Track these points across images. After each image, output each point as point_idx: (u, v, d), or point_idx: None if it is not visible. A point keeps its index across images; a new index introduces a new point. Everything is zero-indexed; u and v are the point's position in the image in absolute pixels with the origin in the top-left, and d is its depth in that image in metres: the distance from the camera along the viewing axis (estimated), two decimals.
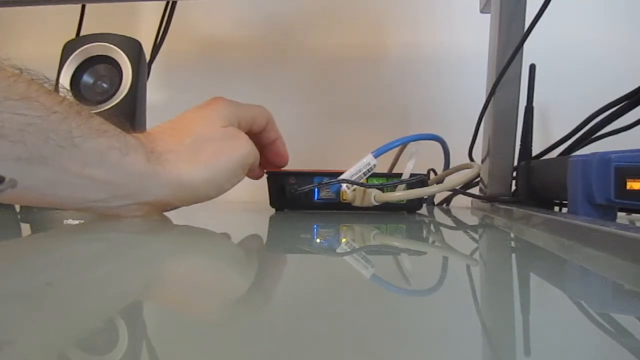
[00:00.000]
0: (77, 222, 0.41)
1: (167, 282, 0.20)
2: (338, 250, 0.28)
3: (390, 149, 0.45)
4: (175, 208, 0.41)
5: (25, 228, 0.40)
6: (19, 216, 0.47)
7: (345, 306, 0.16)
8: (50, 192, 0.33)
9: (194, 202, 0.40)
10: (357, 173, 0.43)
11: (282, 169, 0.50)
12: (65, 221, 0.42)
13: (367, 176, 0.43)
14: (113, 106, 0.55)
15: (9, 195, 0.31)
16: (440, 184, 0.48)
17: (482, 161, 0.58)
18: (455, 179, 0.47)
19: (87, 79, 0.57)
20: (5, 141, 0.29)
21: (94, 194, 0.34)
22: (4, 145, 0.29)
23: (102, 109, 0.55)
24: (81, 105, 0.34)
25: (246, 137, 0.41)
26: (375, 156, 0.43)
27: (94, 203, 0.35)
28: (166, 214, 0.42)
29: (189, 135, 0.39)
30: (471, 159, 0.59)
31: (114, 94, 0.56)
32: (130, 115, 0.55)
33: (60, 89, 0.50)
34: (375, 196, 0.43)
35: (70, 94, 0.40)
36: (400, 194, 0.44)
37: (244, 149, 0.41)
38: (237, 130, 0.41)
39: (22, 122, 0.30)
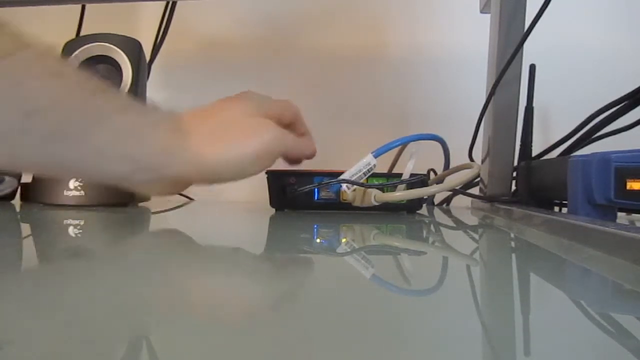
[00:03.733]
0: (76, 221, 0.41)
1: (171, 286, 0.20)
2: (338, 251, 0.28)
3: (390, 149, 0.45)
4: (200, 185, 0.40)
5: (25, 228, 0.40)
6: (19, 216, 0.47)
7: (346, 306, 0.16)
8: (78, 165, 0.34)
9: (216, 182, 0.39)
10: (357, 173, 0.43)
11: (283, 169, 0.50)
12: (65, 221, 0.42)
13: (367, 176, 0.43)
14: None
15: (37, 168, 0.32)
16: (440, 184, 0.48)
17: (482, 161, 0.58)
18: (455, 179, 0.47)
19: None
20: (38, 116, 0.30)
21: (118, 167, 0.34)
22: (37, 120, 0.30)
23: None
24: (108, 83, 0.34)
25: (274, 124, 0.41)
26: (375, 156, 0.43)
27: (118, 176, 0.35)
28: (166, 214, 0.42)
29: (215, 118, 0.39)
30: (471, 159, 0.59)
31: None
32: None
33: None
34: (375, 196, 0.43)
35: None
36: (400, 194, 0.44)
37: (270, 135, 0.40)
38: (264, 118, 0.41)
39: (54, 97, 0.31)
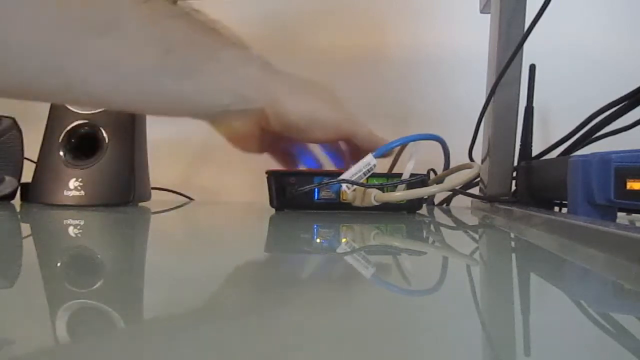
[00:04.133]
0: (77, 221, 0.41)
1: (172, 283, 0.20)
2: (338, 251, 0.29)
3: (391, 149, 0.44)
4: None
5: (25, 228, 0.40)
6: (19, 216, 0.47)
7: (344, 305, 0.16)
8: (192, 98, 0.37)
9: (284, 130, 0.42)
10: (357, 173, 0.43)
11: (283, 169, 0.50)
12: (65, 221, 0.42)
13: (367, 176, 0.43)
14: None
15: (152, 106, 0.38)
16: (441, 184, 0.48)
17: (482, 161, 0.58)
18: (456, 179, 0.47)
19: None
20: (174, 53, 0.34)
21: (221, 99, 0.38)
22: (171, 58, 0.34)
23: (102, 109, 0.55)
24: (211, 21, 0.39)
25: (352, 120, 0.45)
26: (376, 156, 0.43)
27: (218, 108, 0.39)
28: (167, 215, 0.42)
29: (304, 80, 0.44)
30: (471, 159, 0.59)
31: None
32: (130, 115, 0.55)
33: None
34: (375, 196, 0.43)
35: None
36: (401, 194, 0.44)
37: (346, 117, 0.44)
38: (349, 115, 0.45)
39: (183, 38, 0.35)
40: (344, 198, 0.45)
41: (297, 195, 0.45)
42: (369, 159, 0.43)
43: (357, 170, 0.43)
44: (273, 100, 0.40)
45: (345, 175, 0.43)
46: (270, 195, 0.48)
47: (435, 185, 0.47)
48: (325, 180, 0.44)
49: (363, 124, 0.44)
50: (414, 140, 0.46)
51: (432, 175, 0.62)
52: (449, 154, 0.50)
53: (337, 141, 0.45)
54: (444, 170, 0.56)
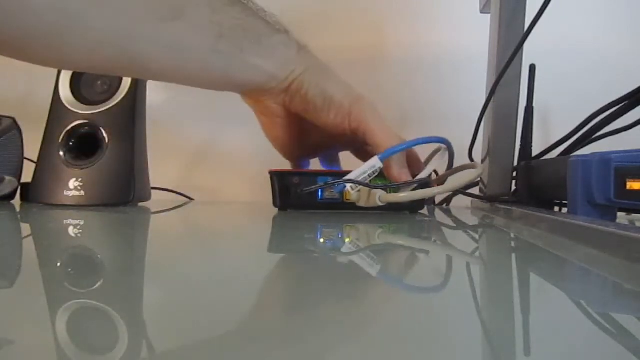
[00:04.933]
0: (77, 221, 0.41)
1: (178, 281, 0.20)
2: (343, 250, 0.29)
3: (397, 152, 0.44)
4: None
5: (25, 228, 0.40)
6: (19, 216, 0.47)
7: (348, 303, 0.16)
8: (237, 77, 0.42)
9: (302, 109, 0.45)
10: (362, 174, 0.43)
11: (286, 169, 0.50)
12: (65, 221, 0.42)
13: (371, 178, 0.44)
14: (113, 106, 0.55)
15: (203, 82, 0.43)
16: (444, 185, 0.48)
17: (482, 161, 0.58)
18: (458, 180, 0.47)
19: (87, 78, 0.57)
20: (225, 37, 0.39)
21: (256, 78, 0.42)
22: (224, 41, 0.39)
23: (102, 109, 0.55)
24: (257, 7, 0.42)
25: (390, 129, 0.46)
26: (381, 159, 0.43)
27: (254, 85, 0.43)
28: (165, 216, 0.42)
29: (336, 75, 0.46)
30: (471, 159, 0.59)
31: (114, 94, 0.56)
32: (130, 115, 0.55)
33: None
34: (380, 197, 0.43)
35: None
36: (405, 195, 0.44)
37: (374, 114, 0.46)
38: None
39: (235, 22, 0.39)
40: (347, 198, 0.45)
41: (301, 195, 0.45)
42: (374, 162, 0.43)
43: (362, 172, 0.43)
44: (300, 78, 0.43)
45: (351, 176, 0.43)
46: (273, 194, 0.48)
47: (439, 187, 0.47)
48: (330, 181, 0.44)
49: (386, 125, 0.45)
50: (421, 144, 0.46)
51: (434, 175, 0.62)
52: (453, 155, 0.50)
53: (346, 132, 0.45)
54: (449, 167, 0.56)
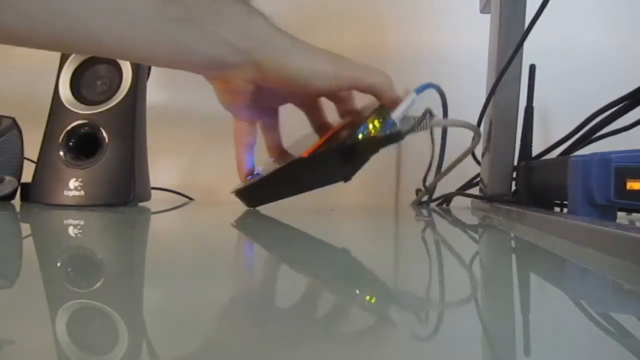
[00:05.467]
0: (77, 221, 0.41)
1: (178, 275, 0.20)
2: (340, 249, 0.28)
3: (408, 109, 0.46)
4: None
5: (25, 228, 0.40)
6: (19, 216, 0.47)
7: (345, 305, 0.16)
8: (196, 48, 0.39)
9: (281, 85, 0.42)
10: (406, 109, 0.46)
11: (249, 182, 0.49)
12: (65, 221, 0.42)
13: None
14: (113, 106, 0.55)
15: (166, 52, 0.38)
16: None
17: (482, 161, 0.58)
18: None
19: (87, 79, 0.57)
20: (171, 3, 0.36)
21: (222, 51, 0.39)
22: (172, 6, 0.36)
23: (102, 109, 0.55)
24: None
25: (352, 63, 0.46)
26: (418, 93, 0.47)
27: (219, 60, 0.40)
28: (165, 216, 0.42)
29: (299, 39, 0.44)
30: (474, 159, 0.59)
31: (114, 94, 0.56)
32: (130, 115, 0.55)
33: None
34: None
35: None
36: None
37: (335, 67, 0.44)
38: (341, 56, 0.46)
39: None
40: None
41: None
42: (412, 96, 0.46)
43: (406, 106, 0.45)
44: (273, 55, 0.41)
45: (398, 113, 0.45)
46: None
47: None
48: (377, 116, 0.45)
49: (386, 76, 0.46)
50: (420, 92, 0.49)
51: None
52: (446, 103, 0.52)
53: (340, 90, 0.45)
54: (443, 116, 0.57)
